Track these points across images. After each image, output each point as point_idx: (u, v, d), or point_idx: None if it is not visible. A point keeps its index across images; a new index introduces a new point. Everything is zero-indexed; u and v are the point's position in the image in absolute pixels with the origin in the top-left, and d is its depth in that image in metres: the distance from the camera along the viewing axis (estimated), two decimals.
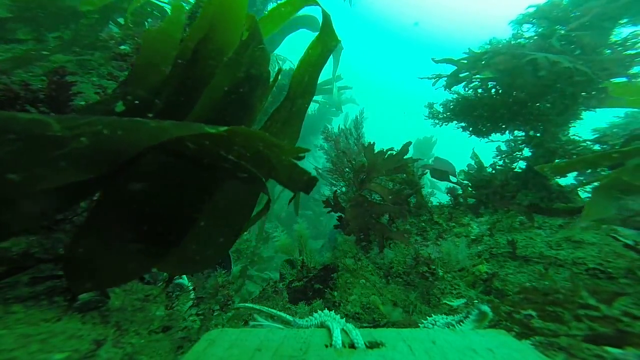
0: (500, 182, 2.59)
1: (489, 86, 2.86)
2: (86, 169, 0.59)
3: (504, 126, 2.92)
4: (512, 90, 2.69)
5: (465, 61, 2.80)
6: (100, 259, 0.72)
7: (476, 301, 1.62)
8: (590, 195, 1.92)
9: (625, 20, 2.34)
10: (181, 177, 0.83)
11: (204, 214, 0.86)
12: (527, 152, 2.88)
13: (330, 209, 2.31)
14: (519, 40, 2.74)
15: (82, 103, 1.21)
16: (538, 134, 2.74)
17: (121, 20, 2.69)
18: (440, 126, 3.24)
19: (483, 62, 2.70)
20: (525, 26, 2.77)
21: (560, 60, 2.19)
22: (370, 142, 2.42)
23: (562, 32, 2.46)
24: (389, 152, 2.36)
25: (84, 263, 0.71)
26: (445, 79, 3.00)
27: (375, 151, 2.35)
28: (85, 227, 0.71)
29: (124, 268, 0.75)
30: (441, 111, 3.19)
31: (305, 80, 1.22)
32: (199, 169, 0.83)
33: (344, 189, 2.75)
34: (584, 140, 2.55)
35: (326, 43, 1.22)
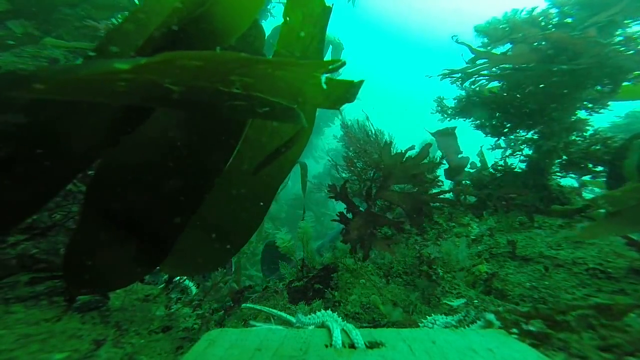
0: (516, 192, 2.51)
1: (500, 83, 2.79)
2: None
3: (516, 125, 2.83)
4: (526, 87, 2.60)
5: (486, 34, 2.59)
6: (98, 263, 0.70)
7: (476, 301, 1.62)
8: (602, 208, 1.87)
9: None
10: (180, 148, 0.70)
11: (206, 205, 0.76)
12: (527, 151, 2.87)
13: (334, 194, 2.23)
14: (541, 20, 2.52)
15: None
16: (538, 135, 2.72)
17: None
18: (449, 120, 3.14)
19: (500, 52, 2.59)
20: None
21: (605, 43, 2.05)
22: (386, 141, 2.16)
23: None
24: (407, 154, 2.06)
25: (82, 267, 0.69)
26: (454, 75, 2.90)
27: (393, 153, 2.05)
28: (79, 228, 0.68)
29: (123, 271, 0.73)
30: (452, 106, 3.07)
31: (297, 56, 0.98)
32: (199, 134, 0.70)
33: (355, 184, 2.66)
34: (585, 140, 2.53)
35: (305, 4, 0.91)
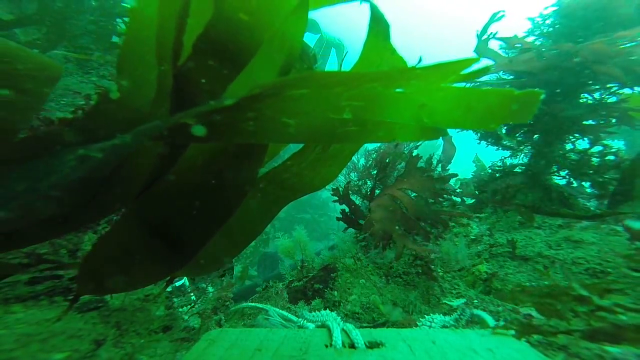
0: (506, 185, 2.55)
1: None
2: (64, 200, 0.49)
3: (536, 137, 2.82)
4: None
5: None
6: (120, 269, 0.70)
7: (476, 301, 1.62)
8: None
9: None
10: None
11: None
12: (524, 158, 2.88)
13: (337, 198, 2.29)
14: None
15: (82, 102, 1.21)
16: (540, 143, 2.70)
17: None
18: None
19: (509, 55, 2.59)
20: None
21: None
22: (418, 154, 2.21)
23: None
24: (427, 173, 2.14)
25: (101, 272, 0.69)
26: None
27: (418, 165, 2.13)
28: (108, 237, 0.68)
29: (142, 275, 0.73)
30: None
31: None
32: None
33: (354, 179, 2.68)
34: (587, 150, 2.53)
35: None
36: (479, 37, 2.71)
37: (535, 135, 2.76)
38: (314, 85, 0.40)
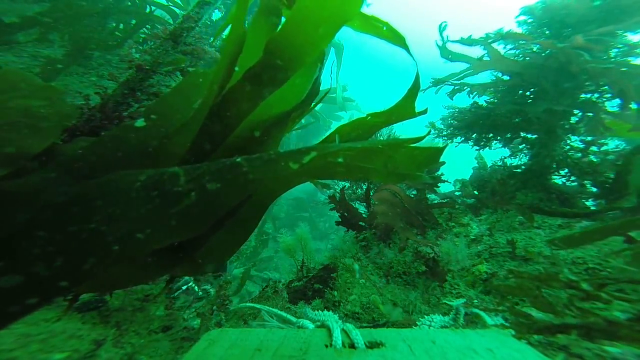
0: (496, 180, 2.58)
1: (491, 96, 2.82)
2: (188, 229, 0.56)
3: (508, 136, 2.86)
4: (516, 93, 2.64)
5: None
6: (121, 266, 0.70)
7: (476, 301, 1.62)
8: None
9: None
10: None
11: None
12: (524, 157, 2.89)
13: (335, 205, 2.32)
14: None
15: (82, 102, 1.21)
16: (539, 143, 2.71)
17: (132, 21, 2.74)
18: (451, 142, 3.11)
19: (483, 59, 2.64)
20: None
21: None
22: None
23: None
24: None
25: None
26: (445, 85, 2.92)
27: None
28: None
29: (142, 274, 0.73)
30: (443, 128, 3.07)
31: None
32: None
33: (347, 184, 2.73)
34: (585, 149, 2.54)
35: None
36: (440, 46, 2.82)
37: (533, 135, 2.77)
38: (329, 151, 0.60)
